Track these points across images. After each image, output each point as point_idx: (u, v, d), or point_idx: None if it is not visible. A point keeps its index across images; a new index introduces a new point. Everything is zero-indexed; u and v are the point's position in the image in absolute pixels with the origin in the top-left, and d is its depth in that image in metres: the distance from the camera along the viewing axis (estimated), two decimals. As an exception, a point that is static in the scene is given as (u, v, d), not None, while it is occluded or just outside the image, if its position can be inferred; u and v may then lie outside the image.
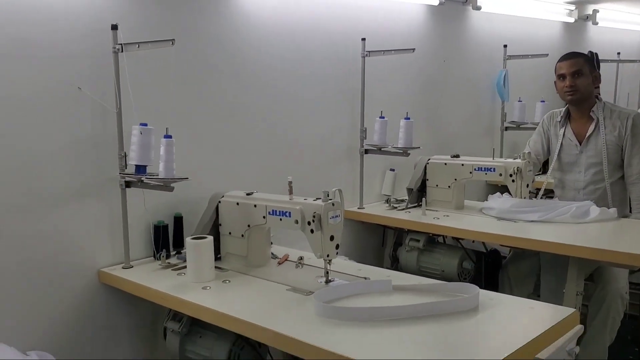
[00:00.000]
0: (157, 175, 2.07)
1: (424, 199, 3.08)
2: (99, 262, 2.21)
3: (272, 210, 2.07)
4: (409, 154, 3.08)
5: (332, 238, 1.92)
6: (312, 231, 1.93)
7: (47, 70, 2.03)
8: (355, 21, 3.15)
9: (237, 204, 2.19)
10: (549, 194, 3.48)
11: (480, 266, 3.14)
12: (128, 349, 2.31)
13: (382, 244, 3.35)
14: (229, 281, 2.04)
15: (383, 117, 3.10)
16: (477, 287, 1.75)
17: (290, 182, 2.04)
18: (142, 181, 2.09)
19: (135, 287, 2.08)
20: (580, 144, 3.07)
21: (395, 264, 3.17)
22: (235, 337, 1.93)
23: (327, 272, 1.98)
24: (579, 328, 2.32)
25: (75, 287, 2.15)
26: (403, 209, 3.17)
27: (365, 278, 2.02)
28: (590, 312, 2.82)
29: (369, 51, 3.10)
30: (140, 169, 2.10)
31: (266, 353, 2.02)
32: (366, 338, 1.53)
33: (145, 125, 2.08)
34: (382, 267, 3.24)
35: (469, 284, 1.80)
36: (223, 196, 2.26)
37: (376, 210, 3.21)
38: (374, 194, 3.41)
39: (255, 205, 2.13)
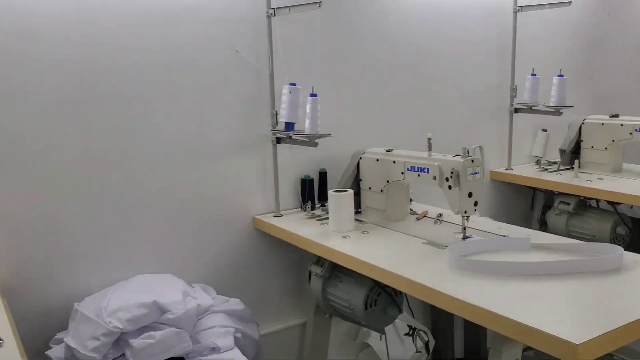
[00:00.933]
0: (304, 132, 2.22)
1: (577, 160, 2.93)
2: (253, 209, 2.44)
3: (411, 167, 2.12)
4: (562, 112, 2.94)
5: (470, 195, 1.94)
6: (449, 187, 1.95)
7: (211, 33, 2.24)
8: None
9: (377, 160, 2.28)
10: None
11: (636, 233, 2.93)
12: (277, 288, 2.54)
13: (531, 207, 3.25)
14: (368, 232, 2.15)
15: (535, 75, 2.97)
16: (621, 248, 1.67)
17: (429, 139, 2.08)
18: (290, 137, 2.25)
19: (284, 233, 2.27)
20: None
21: (544, 228, 3.07)
22: (373, 284, 2.04)
23: (465, 228, 2.00)
24: None
25: (234, 231, 2.40)
26: (554, 171, 3.04)
27: (504, 236, 2.01)
28: None
29: (521, 6, 2.97)
30: (289, 125, 2.26)
31: (402, 300, 2.11)
32: (499, 291, 1.55)
33: (294, 85, 2.22)
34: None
35: (612, 244, 1.73)
36: (364, 152, 2.36)
37: (525, 171, 3.12)
38: (524, 155, 3.30)
39: (394, 162, 2.20)
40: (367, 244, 2.04)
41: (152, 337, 1.79)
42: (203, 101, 2.26)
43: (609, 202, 2.80)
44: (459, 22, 2.91)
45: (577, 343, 1.22)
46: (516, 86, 3.05)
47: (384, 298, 2.07)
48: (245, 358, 1.86)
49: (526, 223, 3.22)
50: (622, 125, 2.90)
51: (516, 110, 3.09)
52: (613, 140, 2.93)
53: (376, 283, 2.03)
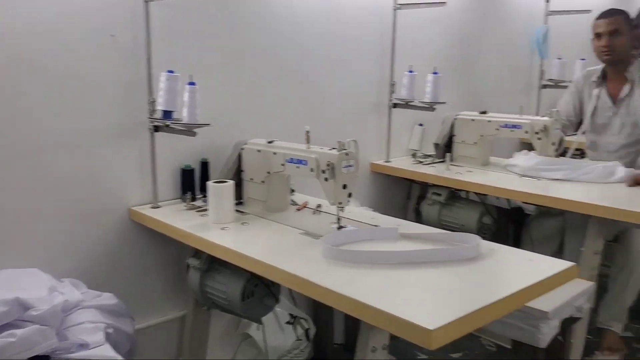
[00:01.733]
0: (182, 120, 2.18)
1: (448, 154, 3.11)
2: (130, 200, 2.36)
3: (290, 159, 2.16)
4: (435, 108, 3.10)
5: (344, 186, 2.00)
6: (326, 179, 2.01)
7: (84, 18, 2.13)
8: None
9: (258, 151, 2.29)
10: (579, 154, 3.45)
11: (502, 222, 3.17)
12: (155, 281, 2.48)
13: (407, 197, 3.41)
14: (248, 223, 2.16)
15: (412, 72, 3.12)
16: (479, 237, 1.81)
17: (307, 132, 2.12)
18: (167, 126, 2.21)
19: (161, 225, 2.22)
20: (614, 105, 3.02)
21: (419, 217, 3.23)
22: (249, 276, 2.05)
23: (339, 219, 2.06)
24: (590, 286, 2.38)
25: (108, 223, 2.31)
26: (429, 164, 3.21)
27: (376, 226, 2.10)
28: (612, 273, 2.84)
29: (400, 4, 3.09)
30: (167, 114, 2.21)
31: (279, 290, 2.15)
32: (367, 279, 1.62)
33: (172, 72, 2.17)
34: (406, 219, 3.32)
35: (471, 234, 1.86)
36: (246, 143, 2.36)
37: (402, 164, 3.27)
38: (402, 148, 3.45)
39: (274, 153, 2.22)
40: (246, 235, 2.05)
41: (13, 335, 1.69)
42: (76, 88, 2.15)
43: (476, 194, 3.01)
44: (342, 19, 2.98)
45: (432, 329, 1.30)
46: (395, 82, 3.18)
47: (260, 289, 2.09)
48: (114, 353, 1.81)
49: (403, 213, 3.37)
50: (489, 121, 3.11)
51: (394, 106, 3.22)
52: (482, 136, 3.14)
53: (253, 274, 2.04)
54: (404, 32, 3.21)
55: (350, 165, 2.01)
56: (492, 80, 3.88)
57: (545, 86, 4.08)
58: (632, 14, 3.17)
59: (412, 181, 3.31)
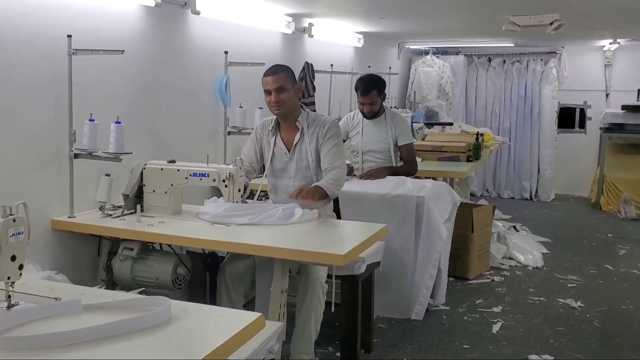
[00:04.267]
0: None
1: (138, 205, 3.01)
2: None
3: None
4: (121, 159, 2.97)
5: (13, 258, 1.75)
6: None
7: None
8: (61, 19, 2.93)
9: None
10: (264, 195, 3.69)
11: (198, 269, 3.19)
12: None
13: (98, 254, 3.18)
14: None
15: (93, 120, 2.93)
16: (168, 299, 1.76)
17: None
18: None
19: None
20: (289, 152, 3.31)
21: (110, 275, 3.03)
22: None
23: (10, 296, 1.79)
24: (278, 326, 2.51)
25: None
26: (118, 216, 3.05)
27: (56, 298, 1.88)
28: (297, 303, 3.06)
29: (75, 49, 2.90)
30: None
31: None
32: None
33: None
34: (97, 279, 3.09)
35: (161, 297, 1.80)
36: None
37: (89, 218, 3.03)
38: (89, 201, 3.20)
39: None
40: None
41: None
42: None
43: (168, 245, 2.96)
44: (7, 65, 2.66)
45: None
46: (75, 131, 2.95)
47: None
48: None
49: (94, 272, 3.13)
50: (178, 170, 3.11)
51: (76, 156, 2.98)
52: (172, 185, 3.11)
53: None
54: (83, 78, 3.02)
55: (19, 233, 1.77)
56: (180, 128, 3.91)
57: (230, 133, 4.28)
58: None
59: (101, 237, 3.09)
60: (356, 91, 4.49)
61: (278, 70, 3.22)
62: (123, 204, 3.16)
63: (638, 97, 7.46)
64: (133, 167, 3.19)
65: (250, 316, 1.76)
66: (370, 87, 4.38)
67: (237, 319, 1.74)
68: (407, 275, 4.01)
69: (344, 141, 4.63)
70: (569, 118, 8.51)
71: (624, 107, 7.57)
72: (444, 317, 4.16)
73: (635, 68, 8.04)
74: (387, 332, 3.88)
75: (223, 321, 1.73)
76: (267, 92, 3.21)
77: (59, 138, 2.95)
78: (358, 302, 3.26)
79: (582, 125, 8.48)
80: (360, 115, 4.58)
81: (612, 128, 7.71)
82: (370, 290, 3.51)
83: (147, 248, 2.99)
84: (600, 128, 7.94)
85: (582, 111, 8.46)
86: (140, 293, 2.74)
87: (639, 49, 7.99)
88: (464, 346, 3.74)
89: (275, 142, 3.32)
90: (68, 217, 3.01)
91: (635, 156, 7.32)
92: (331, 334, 3.51)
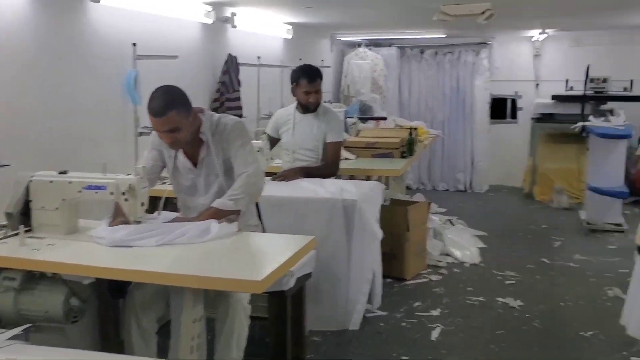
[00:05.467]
0: None
1: (21, 226, 2.56)
2: None
3: None
4: (-2, 172, 2.52)
5: None
6: None
7: None
8: None
9: None
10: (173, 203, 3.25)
11: (99, 297, 2.78)
12: None
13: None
14: None
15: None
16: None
17: None
18: None
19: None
20: (195, 167, 2.91)
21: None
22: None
23: None
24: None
25: None
26: (1, 239, 2.59)
27: None
28: (217, 327, 2.72)
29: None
30: None
31: None
32: None
33: None
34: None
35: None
36: None
37: (-39, 243, 2.56)
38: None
39: None
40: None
41: None
42: None
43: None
44: None
45: None
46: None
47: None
48: None
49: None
50: (70, 182, 2.67)
51: (-57, 171, 2.51)
52: (64, 200, 2.68)
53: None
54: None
55: None
56: (79, 131, 3.45)
57: (142, 134, 3.85)
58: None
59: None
60: (296, 82, 4.09)
61: (166, 110, 2.66)
62: (6, 223, 2.70)
63: (566, 87, 7.45)
64: (17, 179, 2.72)
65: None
66: (316, 74, 4.10)
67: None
68: (340, 284, 3.74)
69: (277, 139, 4.30)
70: (501, 109, 8.48)
71: (554, 97, 7.56)
72: (381, 324, 3.94)
73: (563, 58, 8.07)
74: (321, 346, 3.63)
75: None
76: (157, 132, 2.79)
77: None
78: (287, 318, 2.94)
79: (514, 115, 8.47)
80: (292, 110, 4.23)
81: (543, 118, 7.70)
82: (302, 304, 3.19)
83: (33, 276, 2.53)
84: (532, 118, 7.94)
85: (514, 102, 8.45)
86: (28, 329, 2.31)
87: (566, 39, 8.03)
88: (402, 357, 3.52)
89: (176, 156, 2.91)
90: None
91: (567, 146, 7.32)
92: (259, 351, 3.17)
